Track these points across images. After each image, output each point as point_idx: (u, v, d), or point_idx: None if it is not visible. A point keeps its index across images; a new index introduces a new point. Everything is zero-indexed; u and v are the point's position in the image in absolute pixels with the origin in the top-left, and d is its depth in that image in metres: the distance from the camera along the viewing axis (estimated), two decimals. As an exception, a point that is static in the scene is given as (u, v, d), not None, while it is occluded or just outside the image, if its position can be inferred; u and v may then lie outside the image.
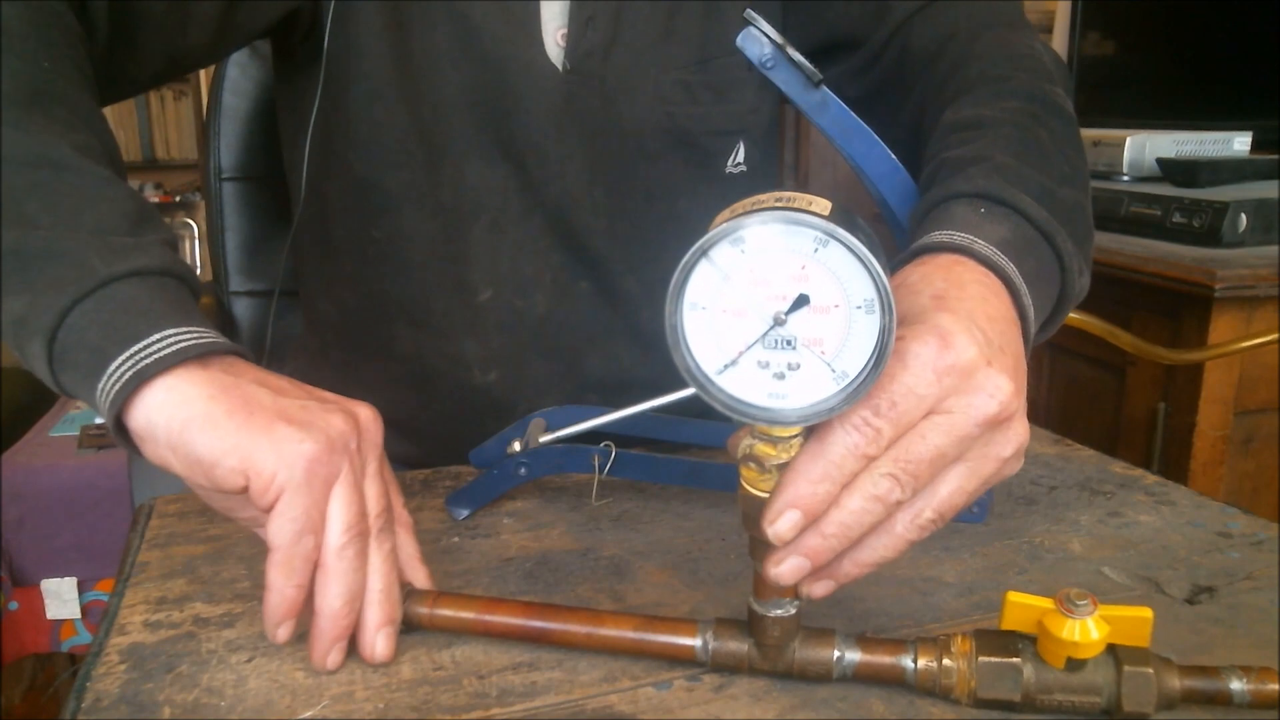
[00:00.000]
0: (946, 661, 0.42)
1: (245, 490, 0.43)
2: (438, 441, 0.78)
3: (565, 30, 0.72)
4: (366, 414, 0.48)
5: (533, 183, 0.74)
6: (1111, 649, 0.41)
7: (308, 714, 0.42)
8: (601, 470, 0.61)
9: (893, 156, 0.57)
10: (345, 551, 0.44)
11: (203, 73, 2.96)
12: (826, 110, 0.54)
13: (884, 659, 0.43)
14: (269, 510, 0.43)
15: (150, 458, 0.44)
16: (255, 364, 0.47)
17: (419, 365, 0.78)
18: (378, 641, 0.45)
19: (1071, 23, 1.94)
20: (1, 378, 2.03)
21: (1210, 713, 0.42)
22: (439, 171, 0.73)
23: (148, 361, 0.42)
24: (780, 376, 0.37)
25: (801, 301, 0.36)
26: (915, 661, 0.42)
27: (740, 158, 0.79)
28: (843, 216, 0.36)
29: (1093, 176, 0.87)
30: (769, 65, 0.51)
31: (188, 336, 0.43)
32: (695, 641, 0.44)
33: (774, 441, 0.39)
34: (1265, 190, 1.38)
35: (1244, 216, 1.30)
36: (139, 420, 0.43)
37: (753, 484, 0.40)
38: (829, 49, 0.75)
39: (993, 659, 0.41)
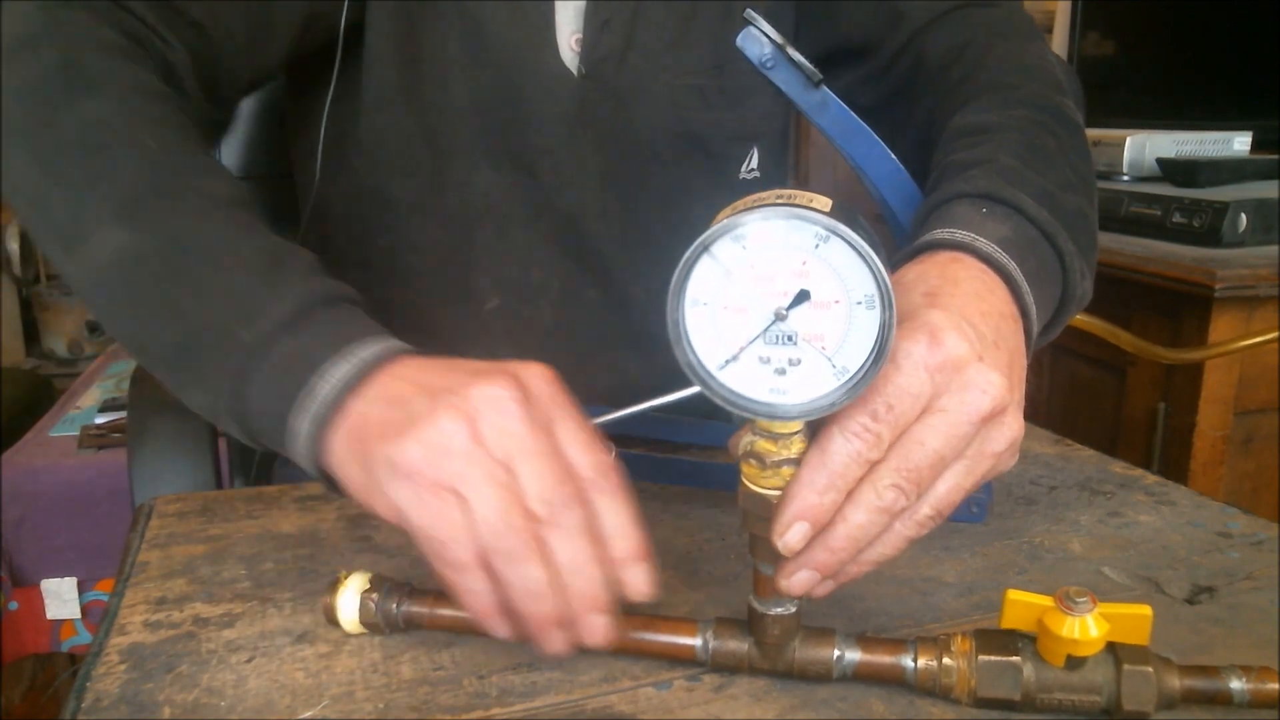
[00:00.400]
0: (946, 661, 0.42)
1: None
2: None
3: (580, 35, 0.71)
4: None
5: (543, 189, 0.73)
6: (1111, 648, 0.41)
7: (308, 714, 0.42)
8: None
9: (893, 157, 0.56)
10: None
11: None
12: (826, 110, 0.54)
13: (884, 658, 0.43)
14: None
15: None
16: (410, 351, 0.45)
17: None
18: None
19: (1071, 23, 1.93)
20: (1, 378, 2.02)
21: (1210, 712, 0.42)
22: (445, 178, 0.73)
23: (323, 413, 0.43)
24: (781, 372, 0.37)
25: (802, 297, 0.36)
26: (915, 661, 0.43)
27: (754, 164, 0.79)
28: (844, 213, 0.36)
29: (1093, 176, 0.87)
30: (769, 65, 0.51)
31: (336, 369, 0.43)
32: (695, 641, 0.44)
33: (774, 438, 0.39)
34: (1265, 190, 1.38)
35: (1244, 216, 1.30)
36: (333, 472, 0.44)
37: (754, 480, 0.40)
38: (841, 56, 0.74)
39: (993, 658, 0.41)
